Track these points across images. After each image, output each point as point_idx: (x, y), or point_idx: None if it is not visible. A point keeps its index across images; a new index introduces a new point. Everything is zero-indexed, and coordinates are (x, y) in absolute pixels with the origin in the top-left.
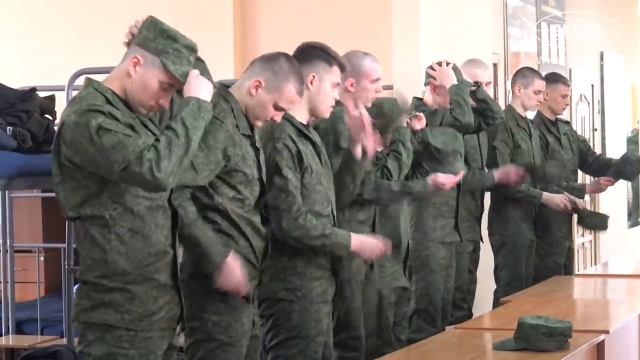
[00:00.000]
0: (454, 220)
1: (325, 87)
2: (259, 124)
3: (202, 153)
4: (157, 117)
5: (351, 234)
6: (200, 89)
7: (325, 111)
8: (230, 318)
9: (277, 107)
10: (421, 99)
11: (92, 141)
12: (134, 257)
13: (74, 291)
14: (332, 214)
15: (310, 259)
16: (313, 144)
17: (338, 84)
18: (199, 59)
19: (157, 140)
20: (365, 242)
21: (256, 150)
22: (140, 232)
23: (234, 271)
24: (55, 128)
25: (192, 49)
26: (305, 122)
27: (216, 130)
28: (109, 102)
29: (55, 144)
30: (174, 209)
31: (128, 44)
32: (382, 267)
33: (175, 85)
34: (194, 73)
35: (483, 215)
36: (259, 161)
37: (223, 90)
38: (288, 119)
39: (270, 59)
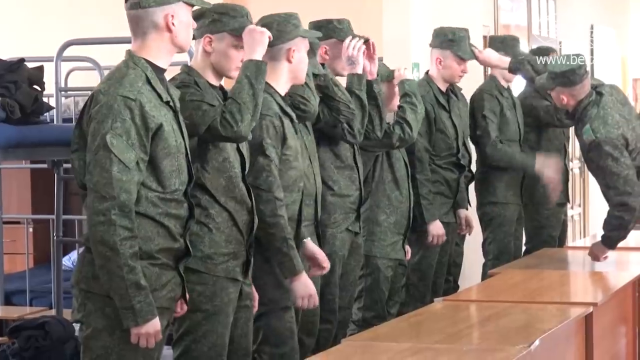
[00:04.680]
0: (452, 201)
1: (303, 56)
2: (234, 74)
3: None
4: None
5: (302, 269)
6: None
7: (304, 77)
8: (215, 287)
9: (237, 47)
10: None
11: (96, 145)
12: (138, 233)
13: (64, 261)
14: (314, 190)
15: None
16: (291, 119)
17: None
18: None
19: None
20: (307, 284)
21: None
22: (146, 214)
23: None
24: (45, 99)
25: None
26: (284, 94)
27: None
28: (148, 81)
29: (83, 111)
30: (190, 201)
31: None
32: (382, 239)
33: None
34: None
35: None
36: None
37: (185, 67)
38: (271, 94)
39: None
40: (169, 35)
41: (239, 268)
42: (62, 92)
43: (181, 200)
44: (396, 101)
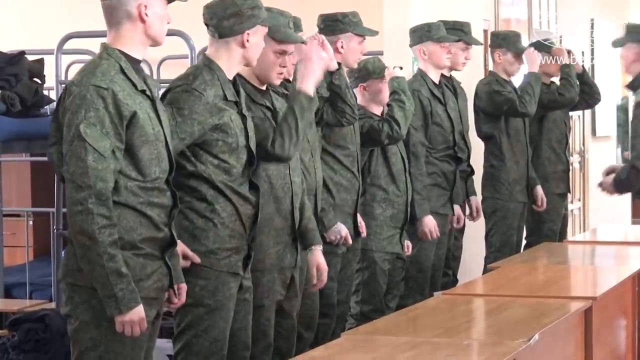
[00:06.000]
0: (449, 193)
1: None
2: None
3: (175, 122)
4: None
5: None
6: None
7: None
8: (217, 282)
9: (263, 35)
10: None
11: (71, 135)
12: (120, 223)
13: (63, 254)
14: (291, 180)
15: (266, 227)
16: (272, 110)
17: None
18: None
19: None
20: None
21: (243, 117)
22: (127, 204)
23: None
24: (45, 92)
25: None
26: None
27: (193, 102)
28: (122, 71)
29: (59, 104)
30: (172, 189)
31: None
32: (378, 233)
33: None
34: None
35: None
36: (246, 129)
37: (206, 60)
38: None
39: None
40: (142, 26)
41: (240, 262)
42: (63, 85)
43: (163, 189)
44: (386, 96)
